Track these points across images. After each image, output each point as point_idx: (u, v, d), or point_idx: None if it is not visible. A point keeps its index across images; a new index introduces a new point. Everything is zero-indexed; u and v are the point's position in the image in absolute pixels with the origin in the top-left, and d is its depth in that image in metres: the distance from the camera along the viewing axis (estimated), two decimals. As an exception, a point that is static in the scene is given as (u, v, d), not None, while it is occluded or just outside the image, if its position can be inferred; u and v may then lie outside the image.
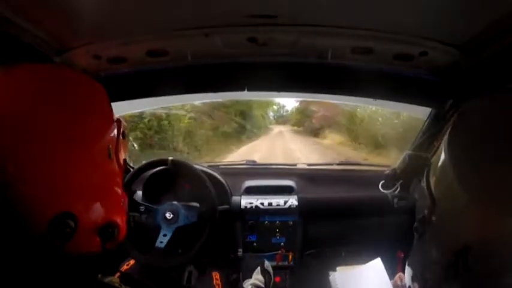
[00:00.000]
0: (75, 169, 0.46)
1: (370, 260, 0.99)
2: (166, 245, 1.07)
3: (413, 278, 0.56)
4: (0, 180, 0.42)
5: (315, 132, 6.94)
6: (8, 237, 0.43)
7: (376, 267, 0.95)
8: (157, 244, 1.07)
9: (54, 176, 0.45)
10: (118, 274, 0.54)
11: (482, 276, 0.41)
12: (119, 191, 0.55)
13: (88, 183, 0.48)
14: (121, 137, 0.54)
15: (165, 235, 1.08)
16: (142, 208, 1.10)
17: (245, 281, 0.99)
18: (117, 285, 0.50)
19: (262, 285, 0.99)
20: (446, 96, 1.00)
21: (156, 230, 1.09)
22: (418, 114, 1.22)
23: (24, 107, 0.44)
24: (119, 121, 0.55)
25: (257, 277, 1.00)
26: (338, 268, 0.97)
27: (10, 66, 0.46)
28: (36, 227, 0.44)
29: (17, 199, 0.43)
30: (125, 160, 0.56)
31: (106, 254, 0.51)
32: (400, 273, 0.83)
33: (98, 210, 0.50)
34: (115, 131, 0.53)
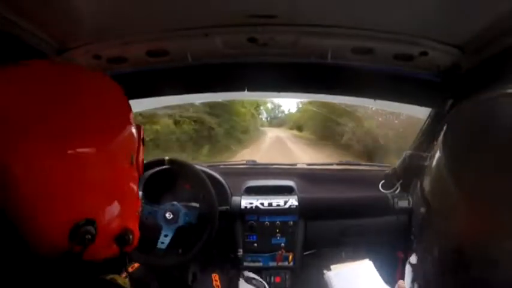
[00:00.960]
0: (97, 175, 0.45)
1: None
2: (167, 246, 1.07)
3: (414, 280, 0.56)
4: (20, 190, 0.40)
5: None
6: (26, 246, 0.43)
7: (367, 267, 0.96)
8: (159, 245, 1.07)
9: (76, 182, 0.43)
10: (124, 275, 0.54)
11: (480, 276, 0.41)
12: (137, 197, 0.54)
13: (110, 190, 0.48)
14: (141, 143, 0.54)
15: (166, 235, 1.08)
16: (142, 209, 1.10)
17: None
18: (120, 282, 0.50)
19: None
20: (446, 96, 1.00)
21: (157, 231, 1.09)
22: (418, 114, 1.22)
23: (39, 109, 0.41)
24: (139, 127, 0.53)
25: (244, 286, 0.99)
26: (332, 267, 0.97)
27: (19, 65, 0.44)
28: (54, 234, 0.43)
29: (36, 206, 0.42)
30: (143, 164, 0.56)
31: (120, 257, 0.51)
32: (400, 281, 0.83)
33: (116, 217, 0.49)
34: (136, 136, 0.51)
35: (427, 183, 0.48)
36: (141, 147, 0.53)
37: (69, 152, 0.42)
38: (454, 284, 0.44)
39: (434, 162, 0.46)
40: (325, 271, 0.97)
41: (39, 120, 0.41)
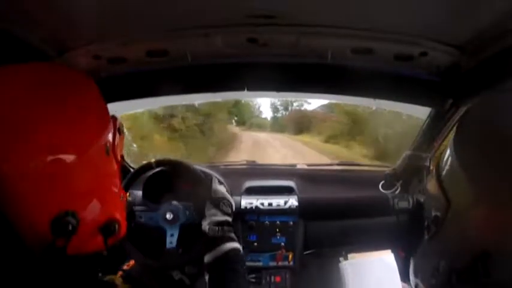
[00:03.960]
0: (73, 167, 0.46)
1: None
2: (177, 244, 1.06)
3: (420, 279, 0.55)
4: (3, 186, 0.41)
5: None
6: (9, 241, 0.43)
7: (386, 260, 0.94)
8: (168, 245, 1.06)
9: (53, 175, 0.44)
10: (120, 273, 0.55)
11: (502, 283, 0.40)
12: (118, 186, 0.55)
13: (87, 181, 0.48)
14: (117, 134, 0.55)
15: (172, 235, 1.07)
16: (141, 216, 1.10)
17: (202, 222, 0.91)
18: (117, 283, 0.51)
19: (222, 218, 0.91)
20: (446, 96, 1.00)
21: (159, 232, 1.09)
22: (418, 114, 1.22)
23: (19, 106, 0.44)
24: (114, 118, 0.56)
25: (209, 212, 0.91)
26: (350, 255, 0.95)
27: (5, 67, 0.46)
28: (37, 228, 0.44)
29: (16, 201, 0.43)
30: (122, 156, 0.57)
31: (107, 254, 0.51)
32: (404, 284, 0.83)
33: (98, 207, 0.50)
34: (111, 128, 0.54)
35: (445, 183, 0.47)
36: (117, 137, 0.55)
37: (45, 146, 0.44)
38: (472, 284, 0.43)
39: (447, 162, 0.45)
40: (341, 258, 0.96)
41: (27, 122, 0.43)
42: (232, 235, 0.90)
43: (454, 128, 0.46)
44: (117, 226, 0.52)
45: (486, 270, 0.40)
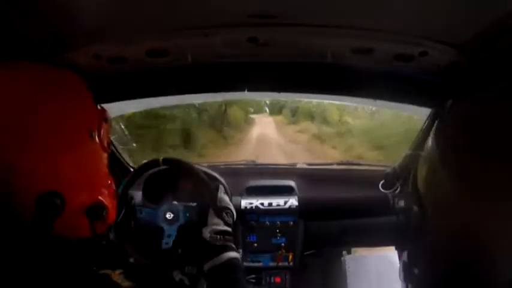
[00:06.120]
0: (58, 149, 0.49)
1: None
2: (172, 245, 1.06)
3: (408, 279, 0.56)
4: None
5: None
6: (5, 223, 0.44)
7: (389, 257, 0.94)
8: (163, 246, 1.05)
9: (38, 156, 0.47)
10: (119, 272, 0.55)
11: (480, 273, 0.41)
12: (104, 171, 0.58)
13: (72, 162, 0.51)
14: (104, 122, 0.59)
15: (169, 235, 1.07)
16: (141, 211, 1.10)
17: (203, 229, 0.91)
18: (114, 277, 0.51)
19: (224, 228, 0.91)
20: (446, 96, 1.00)
21: (159, 232, 1.08)
22: (418, 114, 1.22)
23: (5, 101, 0.47)
24: (102, 109, 0.60)
25: (212, 221, 0.92)
26: (353, 250, 0.95)
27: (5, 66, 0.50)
28: (22, 208, 0.45)
29: (1, 182, 0.44)
30: (108, 143, 0.60)
31: (106, 253, 0.52)
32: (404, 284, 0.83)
33: (83, 189, 0.52)
34: (96, 116, 0.58)
35: (420, 181, 0.48)
36: (104, 126, 0.59)
37: (30, 132, 0.47)
38: (451, 281, 0.43)
39: (427, 158, 0.45)
40: (344, 252, 0.96)
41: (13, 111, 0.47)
42: (233, 245, 0.91)
43: (433, 128, 0.46)
44: (104, 211, 0.54)
45: (461, 261, 0.40)
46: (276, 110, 15.34)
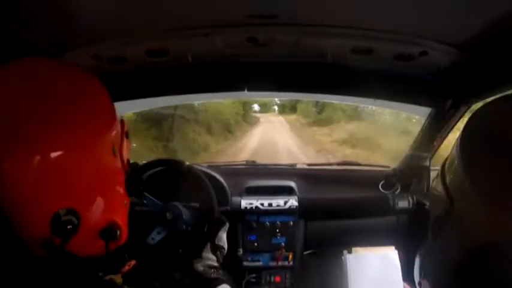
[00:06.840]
0: (77, 164, 0.45)
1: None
2: (156, 244, 1.05)
3: (425, 278, 0.55)
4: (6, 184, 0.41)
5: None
6: (9, 237, 0.43)
7: (390, 256, 0.94)
8: (148, 240, 1.04)
9: (56, 171, 0.43)
10: (121, 274, 0.54)
11: (499, 278, 0.41)
12: (122, 190, 0.54)
13: (91, 179, 0.47)
14: (125, 137, 0.54)
15: (159, 232, 1.05)
16: (146, 199, 1.08)
17: (194, 261, 0.95)
18: (118, 283, 0.50)
19: (216, 264, 0.95)
20: (446, 96, 1.00)
21: (150, 225, 1.06)
22: (418, 114, 1.22)
23: (23, 103, 0.43)
24: (122, 121, 0.55)
25: (207, 256, 0.96)
26: (354, 249, 0.95)
27: (11, 64, 0.45)
28: (38, 225, 0.43)
29: (17, 197, 0.42)
30: (128, 161, 0.56)
31: (108, 255, 0.51)
32: (405, 284, 0.82)
33: (100, 208, 0.49)
34: (119, 129, 0.52)
35: (448, 183, 0.48)
36: (125, 140, 0.54)
37: (49, 143, 0.43)
38: (471, 284, 0.43)
39: (452, 163, 0.45)
40: (345, 251, 0.96)
41: (31, 121, 0.42)
42: (223, 277, 0.95)
43: (461, 128, 0.46)
44: (118, 232, 0.51)
45: (487, 266, 0.40)
46: (288, 108, 13.26)
